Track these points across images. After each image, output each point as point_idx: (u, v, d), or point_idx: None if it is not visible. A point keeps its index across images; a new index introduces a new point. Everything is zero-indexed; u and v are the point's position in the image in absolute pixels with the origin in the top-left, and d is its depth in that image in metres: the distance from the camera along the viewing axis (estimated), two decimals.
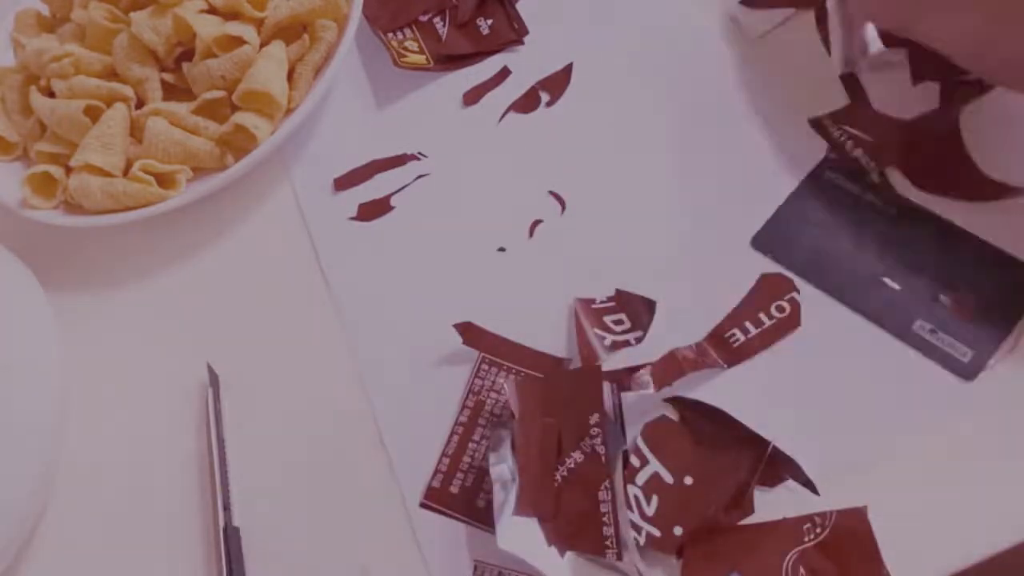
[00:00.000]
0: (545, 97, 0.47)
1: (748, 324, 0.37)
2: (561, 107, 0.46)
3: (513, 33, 0.49)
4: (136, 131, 0.46)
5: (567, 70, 0.47)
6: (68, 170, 0.46)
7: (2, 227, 0.47)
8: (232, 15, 0.47)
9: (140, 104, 0.47)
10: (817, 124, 0.42)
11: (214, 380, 0.41)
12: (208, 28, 0.46)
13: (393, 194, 0.45)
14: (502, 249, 0.42)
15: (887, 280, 0.37)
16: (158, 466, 0.40)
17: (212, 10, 0.47)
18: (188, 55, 0.47)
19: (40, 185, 0.46)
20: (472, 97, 0.47)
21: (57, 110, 0.46)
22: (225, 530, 0.36)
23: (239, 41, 0.45)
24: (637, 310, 0.39)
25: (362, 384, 0.40)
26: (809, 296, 0.37)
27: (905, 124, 0.41)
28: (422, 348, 0.40)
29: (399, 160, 0.46)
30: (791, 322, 0.37)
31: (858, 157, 0.40)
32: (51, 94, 0.47)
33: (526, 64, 0.48)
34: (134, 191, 0.44)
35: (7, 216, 0.46)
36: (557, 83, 0.47)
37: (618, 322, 0.39)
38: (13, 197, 0.46)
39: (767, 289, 0.38)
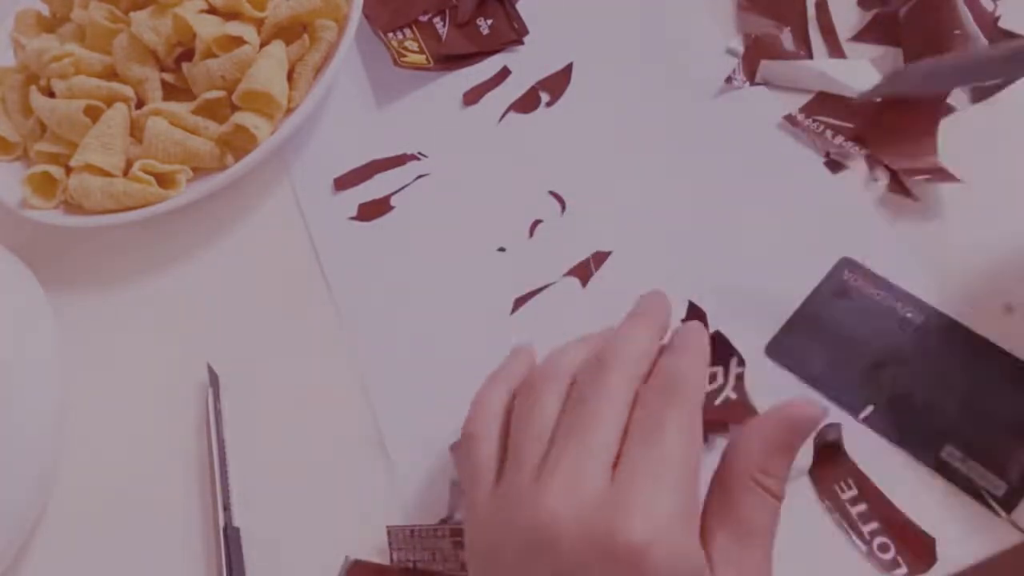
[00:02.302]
0: (545, 97, 0.47)
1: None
2: (561, 107, 0.46)
3: (513, 33, 0.49)
4: (136, 131, 0.46)
5: (567, 70, 0.47)
6: (68, 170, 0.46)
7: (2, 227, 0.47)
8: (232, 15, 0.47)
9: (140, 104, 0.47)
10: (791, 120, 0.41)
11: (214, 380, 0.41)
12: (208, 28, 0.46)
13: (393, 194, 0.45)
14: (502, 249, 0.42)
15: (911, 397, 0.33)
16: (158, 466, 0.40)
17: (212, 10, 0.47)
18: (188, 55, 0.47)
19: (40, 185, 0.46)
20: (472, 97, 0.47)
21: (57, 110, 0.46)
22: (225, 530, 0.36)
23: (239, 41, 0.45)
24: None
25: (362, 384, 0.40)
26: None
27: (877, 103, 0.40)
28: (422, 348, 0.40)
29: (399, 160, 0.46)
30: None
31: (842, 145, 0.40)
32: (51, 94, 0.47)
33: (526, 64, 0.48)
34: (134, 191, 0.44)
35: (7, 216, 0.46)
36: (557, 83, 0.47)
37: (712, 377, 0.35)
38: (13, 197, 0.46)
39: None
